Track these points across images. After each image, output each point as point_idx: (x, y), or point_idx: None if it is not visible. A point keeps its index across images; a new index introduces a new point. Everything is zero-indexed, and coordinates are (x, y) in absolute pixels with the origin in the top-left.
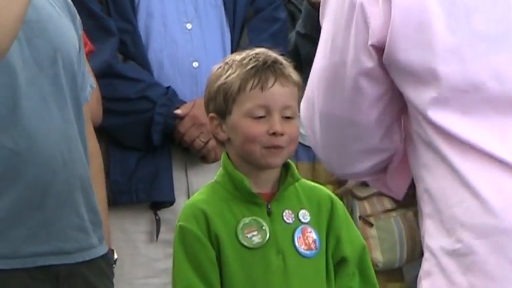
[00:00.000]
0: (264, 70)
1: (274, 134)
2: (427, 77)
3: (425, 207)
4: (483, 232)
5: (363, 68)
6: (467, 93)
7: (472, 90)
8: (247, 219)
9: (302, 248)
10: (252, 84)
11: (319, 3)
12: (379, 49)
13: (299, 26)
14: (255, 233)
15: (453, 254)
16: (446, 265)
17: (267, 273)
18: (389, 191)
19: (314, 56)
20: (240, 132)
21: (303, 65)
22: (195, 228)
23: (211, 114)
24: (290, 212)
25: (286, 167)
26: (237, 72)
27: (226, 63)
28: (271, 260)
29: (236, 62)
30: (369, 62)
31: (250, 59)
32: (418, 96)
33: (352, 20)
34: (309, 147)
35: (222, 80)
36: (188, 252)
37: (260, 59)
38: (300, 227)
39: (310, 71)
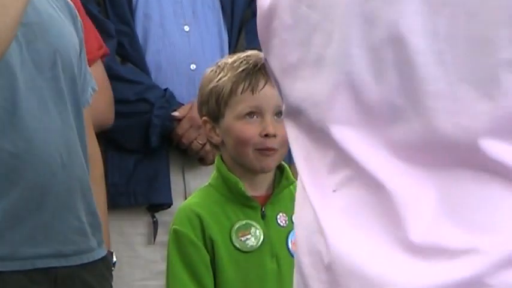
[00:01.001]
0: (255, 72)
1: (266, 135)
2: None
3: None
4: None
5: None
6: (299, 114)
7: (300, 112)
8: (241, 223)
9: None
10: (243, 87)
11: None
12: None
13: None
14: (249, 236)
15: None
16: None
17: (261, 277)
18: None
19: None
20: (233, 135)
21: None
22: (190, 232)
23: (204, 118)
24: (284, 215)
25: (280, 169)
26: (228, 75)
27: (218, 66)
28: (266, 264)
29: (227, 65)
30: None
31: (241, 62)
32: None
33: None
34: None
35: (213, 83)
36: (182, 256)
37: (251, 62)
38: (293, 230)
39: None
